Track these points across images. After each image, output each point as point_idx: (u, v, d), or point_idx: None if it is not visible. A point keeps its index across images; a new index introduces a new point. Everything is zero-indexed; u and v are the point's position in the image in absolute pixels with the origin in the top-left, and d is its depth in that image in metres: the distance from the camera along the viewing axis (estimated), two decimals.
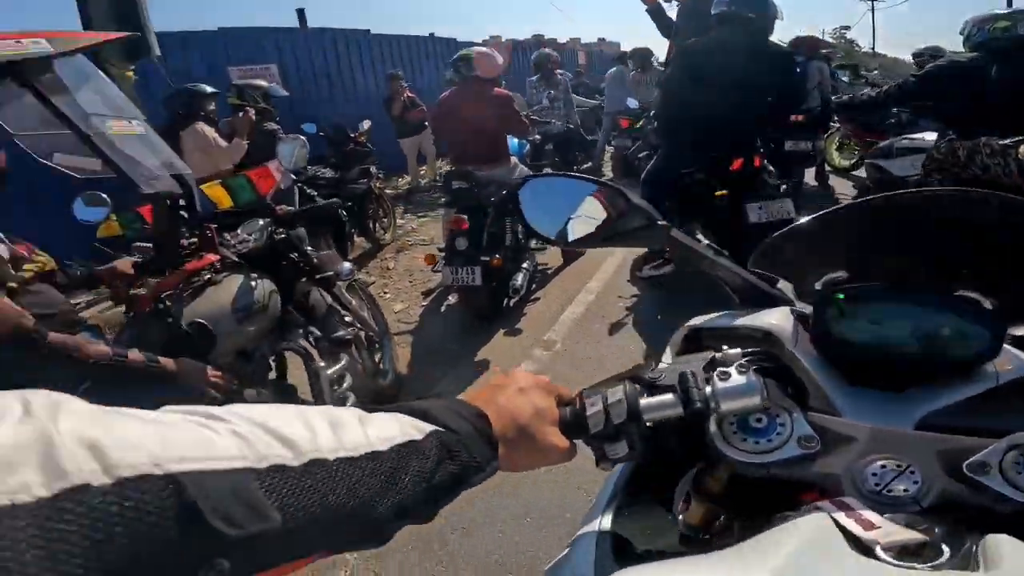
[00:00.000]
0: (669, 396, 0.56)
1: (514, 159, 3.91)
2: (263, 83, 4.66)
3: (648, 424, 0.55)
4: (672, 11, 4.47)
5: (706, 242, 0.93)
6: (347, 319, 2.31)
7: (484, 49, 3.84)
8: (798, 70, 5.74)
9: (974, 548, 0.45)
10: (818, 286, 0.72)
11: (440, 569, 1.76)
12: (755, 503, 0.58)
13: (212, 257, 1.70)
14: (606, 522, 0.63)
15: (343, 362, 2.15)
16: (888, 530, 0.45)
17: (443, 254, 3.38)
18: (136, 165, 1.39)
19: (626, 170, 6.55)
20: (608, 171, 7.64)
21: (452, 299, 3.80)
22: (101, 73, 1.42)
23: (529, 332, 3.44)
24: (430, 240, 4.96)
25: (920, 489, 0.53)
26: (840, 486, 0.54)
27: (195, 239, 1.75)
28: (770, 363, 0.61)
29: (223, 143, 3.64)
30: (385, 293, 4.07)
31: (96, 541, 0.25)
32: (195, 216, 1.71)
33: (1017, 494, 0.52)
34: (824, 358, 0.68)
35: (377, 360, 2.62)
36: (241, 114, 3.84)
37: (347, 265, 2.25)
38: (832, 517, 0.46)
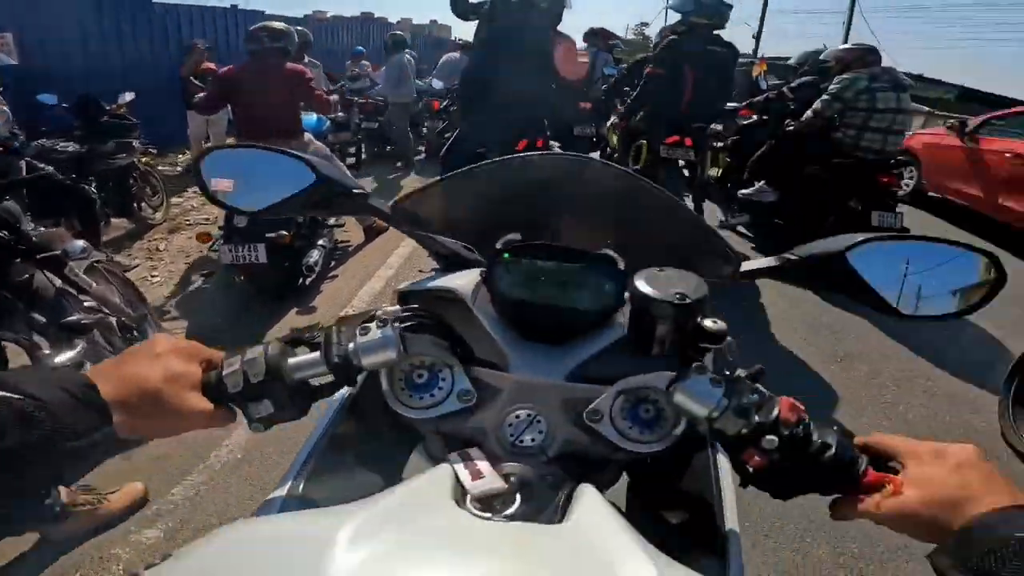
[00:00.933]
0: (315, 354, 0.55)
1: (308, 135, 3.76)
2: None
3: (297, 381, 0.54)
4: None
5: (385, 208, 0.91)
6: (87, 303, 2.03)
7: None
8: (587, 60, 6.27)
9: (561, 498, 0.49)
10: (498, 247, 0.72)
11: None
12: None
13: None
14: (284, 490, 0.61)
15: (78, 349, 1.89)
16: (486, 480, 0.48)
17: (221, 232, 3.12)
18: None
19: (437, 149, 6.60)
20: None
21: (239, 279, 3.53)
22: None
23: (324, 309, 3.36)
24: (213, 219, 4.51)
25: (546, 439, 0.57)
26: (487, 438, 0.57)
27: None
28: (431, 320, 0.61)
29: None
30: (154, 276, 3.63)
31: None
32: None
33: (622, 441, 0.57)
34: (500, 315, 0.71)
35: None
36: None
37: (79, 243, 1.98)
38: (453, 468, 0.50)
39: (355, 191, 0.80)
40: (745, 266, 0.74)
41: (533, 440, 0.56)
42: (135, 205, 4.33)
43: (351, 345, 0.55)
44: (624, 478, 0.83)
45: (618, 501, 0.82)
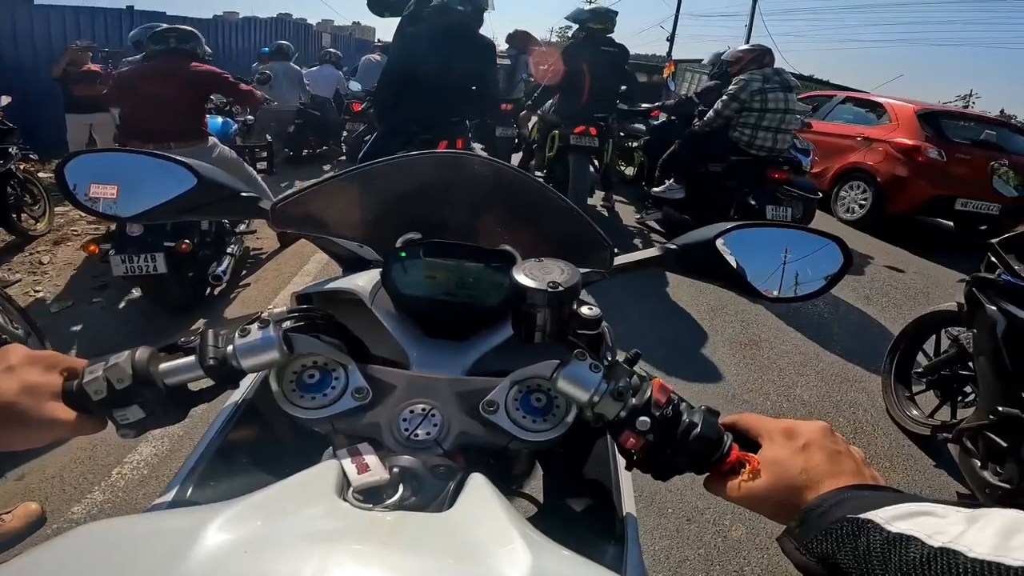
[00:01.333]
0: (190, 358, 0.54)
1: (213, 139, 3.59)
2: None
3: (171, 386, 0.53)
4: None
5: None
6: None
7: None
8: (509, 62, 6.34)
9: (451, 487, 0.49)
10: (397, 246, 0.73)
11: None
12: None
13: None
14: (170, 495, 0.59)
15: None
16: (372, 473, 0.48)
17: (112, 242, 2.88)
18: None
19: (357, 152, 6.48)
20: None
21: (137, 292, 3.28)
22: None
23: (236, 319, 3.18)
24: (106, 228, 4.17)
25: (440, 431, 0.57)
26: (382, 434, 0.57)
27: None
28: (323, 320, 0.61)
29: None
30: (37, 291, 3.32)
31: None
32: None
33: (518, 430, 0.58)
34: (401, 313, 0.71)
35: None
36: None
37: None
38: (340, 463, 0.49)
39: (242, 193, 0.78)
40: (626, 257, 0.77)
41: (428, 433, 0.57)
42: (14, 215, 3.94)
43: (229, 348, 0.54)
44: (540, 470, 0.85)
45: (537, 492, 0.84)
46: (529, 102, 4.95)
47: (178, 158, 0.77)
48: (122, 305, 3.25)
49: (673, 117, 5.25)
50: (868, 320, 3.78)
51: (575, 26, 4.74)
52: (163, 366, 0.53)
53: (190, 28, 3.42)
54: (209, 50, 3.52)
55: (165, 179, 0.76)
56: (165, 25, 3.44)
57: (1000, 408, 1.91)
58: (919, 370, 2.56)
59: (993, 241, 2.13)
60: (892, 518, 0.37)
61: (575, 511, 0.72)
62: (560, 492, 0.78)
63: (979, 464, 2.05)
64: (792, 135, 4.19)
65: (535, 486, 0.86)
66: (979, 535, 0.33)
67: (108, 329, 2.99)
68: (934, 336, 2.54)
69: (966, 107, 17.59)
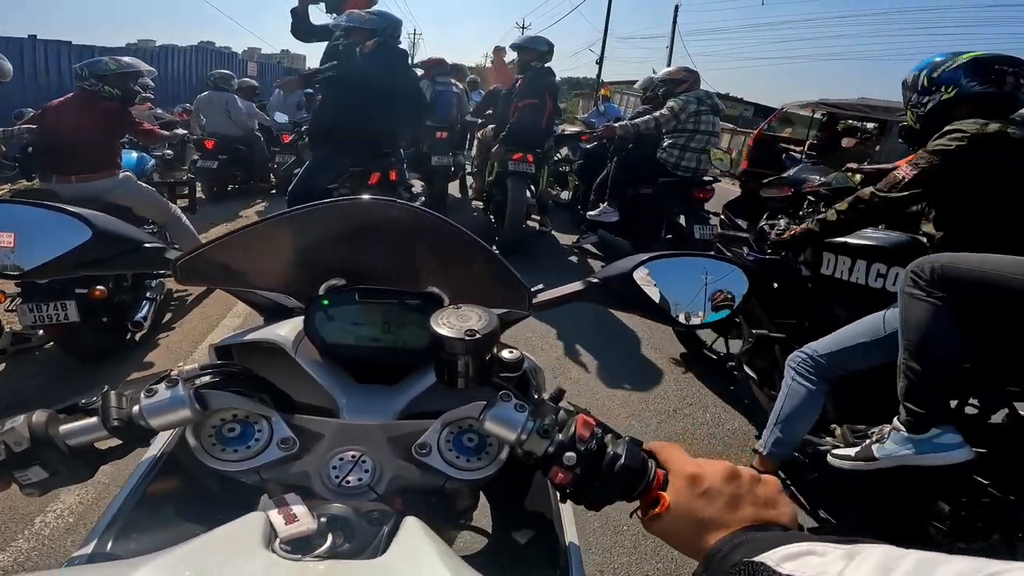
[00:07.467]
0: (93, 419, 0.53)
1: (127, 173, 3.39)
2: None
3: (76, 446, 0.52)
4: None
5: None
6: None
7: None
8: (438, 89, 6.40)
9: (384, 533, 0.49)
10: (320, 292, 0.73)
11: None
12: None
13: None
14: (89, 548, 0.57)
15: None
16: (300, 523, 0.47)
17: (19, 289, 2.67)
18: None
19: (287, 184, 6.31)
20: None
21: (46, 343, 3.04)
22: None
23: (162, 364, 3.00)
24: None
25: (372, 477, 0.57)
26: (312, 482, 0.56)
27: None
28: (242, 373, 0.61)
29: None
30: None
31: None
32: None
33: (452, 470, 0.58)
34: (327, 360, 0.70)
35: None
36: None
37: None
38: (267, 514, 0.48)
39: (145, 244, 0.75)
40: (549, 293, 0.79)
41: (360, 479, 0.56)
42: None
43: (135, 408, 0.53)
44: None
45: (486, 522, 0.84)
46: (481, 120, 5.32)
47: (71, 208, 0.73)
48: (37, 354, 2.99)
49: (604, 140, 5.43)
50: None
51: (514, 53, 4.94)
52: (64, 428, 0.53)
53: (112, 67, 3.24)
54: (148, 82, 3.37)
55: (58, 232, 0.72)
56: (106, 59, 3.27)
57: (754, 331, 2.46)
58: None
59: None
60: (781, 559, 0.39)
61: (520, 543, 0.73)
62: (506, 523, 0.79)
63: (756, 386, 2.45)
64: (710, 156, 4.37)
65: (486, 516, 0.85)
66: (857, 572, 0.35)
67: (19, 381, 2.75)
68: None
69: None
